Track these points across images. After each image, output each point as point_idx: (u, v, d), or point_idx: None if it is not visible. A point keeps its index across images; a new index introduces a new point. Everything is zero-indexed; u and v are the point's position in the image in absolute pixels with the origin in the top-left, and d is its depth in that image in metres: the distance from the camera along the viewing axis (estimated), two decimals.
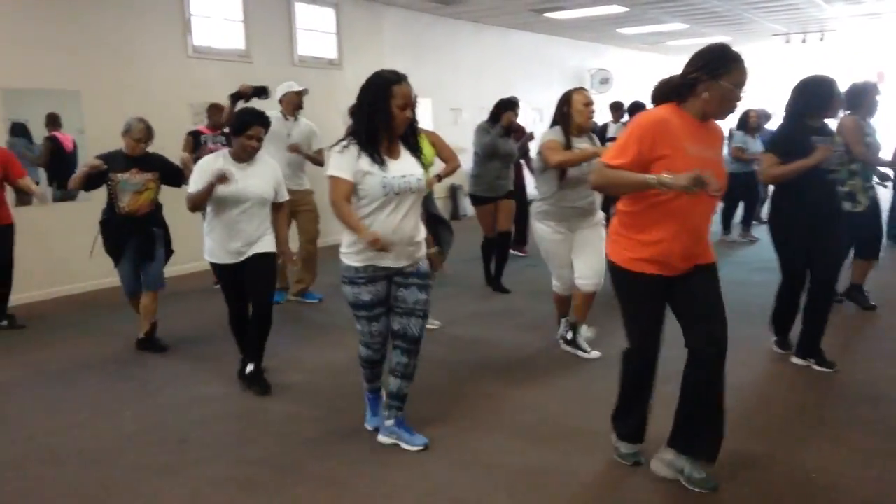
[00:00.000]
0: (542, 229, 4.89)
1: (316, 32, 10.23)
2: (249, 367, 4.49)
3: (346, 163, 3.35)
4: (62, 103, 7.34)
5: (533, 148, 6.40)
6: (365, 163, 3.34)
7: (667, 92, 3.02)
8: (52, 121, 7.27)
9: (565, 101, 4.74)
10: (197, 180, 4.26)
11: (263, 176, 4.41)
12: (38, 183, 6.76)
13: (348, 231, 3.40)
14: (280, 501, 3.17)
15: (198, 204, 4.29)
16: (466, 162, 7.01)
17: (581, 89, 4.83)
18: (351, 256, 3.44)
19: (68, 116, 7.40)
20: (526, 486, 3.23)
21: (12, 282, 6.11)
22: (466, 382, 4.56)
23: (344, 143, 3.41)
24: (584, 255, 4.82)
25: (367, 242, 3.27)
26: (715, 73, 2.88)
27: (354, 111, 3.52)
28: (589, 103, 4.75)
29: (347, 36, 10.62)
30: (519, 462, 3.46)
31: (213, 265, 4.47)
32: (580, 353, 4.94)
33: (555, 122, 4.80)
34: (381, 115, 3.35)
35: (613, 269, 3.18)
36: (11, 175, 5.85)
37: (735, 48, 2.98)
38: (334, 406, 4.22)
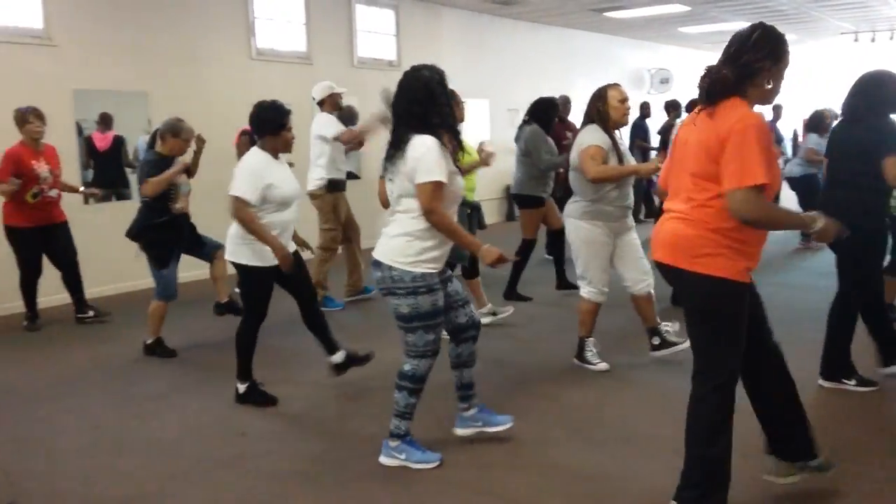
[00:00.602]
0: (589, 230, 4.62)
1: (375, 34, 10.33)
2: (339, 357, 4.47)
3: (446, 165, 3.19)
4: (130, 104, 7.58)
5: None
6: (450, 162, 3.26)
7: (722, 88, 2.70)
8: (103, 120, 7.50)
9: (599, 98, 4.61)
10: (249, 180, 4.05)
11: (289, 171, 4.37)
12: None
13: (417, 238, 3.23)
14: (336, 496, 3.22)
15: None
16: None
17: (616, 85, 4.71)
18: (423, 264, 3.24)
19: (136, 117, 7.64)
20: (582, 489, 3.22)
21: (80, 275, 6.32)
22: (523, 383, 4.55)
23: (433, 141, 3.21)
24: (632, 259, 4.70)
25: (492, 259, 3.22)
26: (778, 58, 2.72)
27: (427, 105, 3.27)
28: (624, 99, 4.63)
29: (406, 37, 10.70)
30: (575, 464, 3.44)
31: (261, 269, 4.14)
32: (676, 349, 4.73)
33: (588, 119, 4.65)
34: (451, 112, 3.32)
35: (720, 284, 2.68)
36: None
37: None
38: (388, 404, 4.25)
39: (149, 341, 5.36)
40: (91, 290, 6.64)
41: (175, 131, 5.14)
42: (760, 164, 2.53)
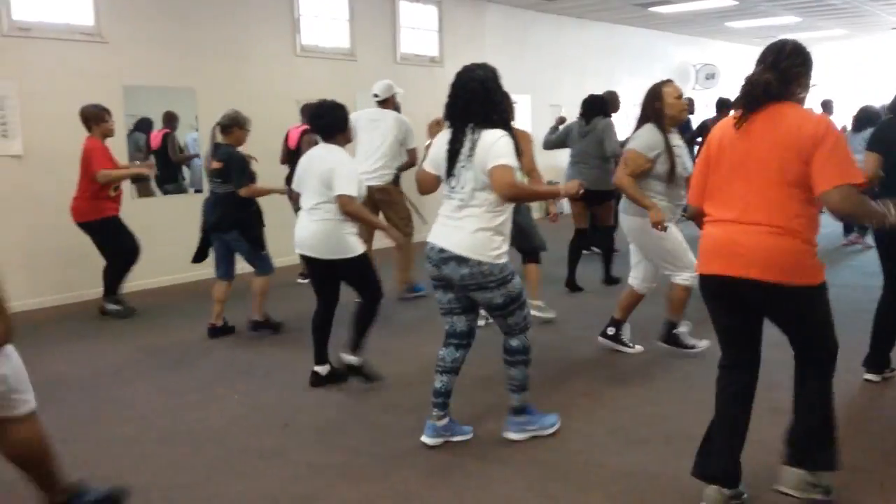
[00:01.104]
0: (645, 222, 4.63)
1: (418, 30, 10.36)
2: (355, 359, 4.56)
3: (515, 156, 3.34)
4: (178, 100, 7.71)
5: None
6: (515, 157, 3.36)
7: (766, 92, 2.74)
8: (167, 118, 7.70)
9: (655, 96, 4.59)
10: (353, 177, 4.29)
11: None
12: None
13: (497, 233, 3.34)
14: (377, 489, 3.24)
15: None
16: (566, 158, 6.99)
17: (670, 81, 4.70)
18: (504, 255, 3.39)
19: (184, 114, 7.78)
20: (622, 487, 3.20)
21: (127, 271, 6.49)
22: (563, 380, 4.54)
23: (504, 132, 3.32)
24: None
25: (575, 189, 3.46)
26: (809, 68, 2.82)
27: (486, 104, 3.36)
28: (680, 96, 4.62)
29: (449, 33, 10.71)
30: (615, 463, 3.42)
31: (365, 252, 4.49)
32: (696, 349, 4.84)
33: (645, 118, 4.63)
34: (508, 110, 3.45)
35: (822, 289, 2.80)
36: (90, 168, 6.03)
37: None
38: (427, 398, 4.27)
39: (258, 319, 5.71)
40: (136, 283, 6.79)
41: (240, 123, 5.44)
42: (852, 162, 2.66)
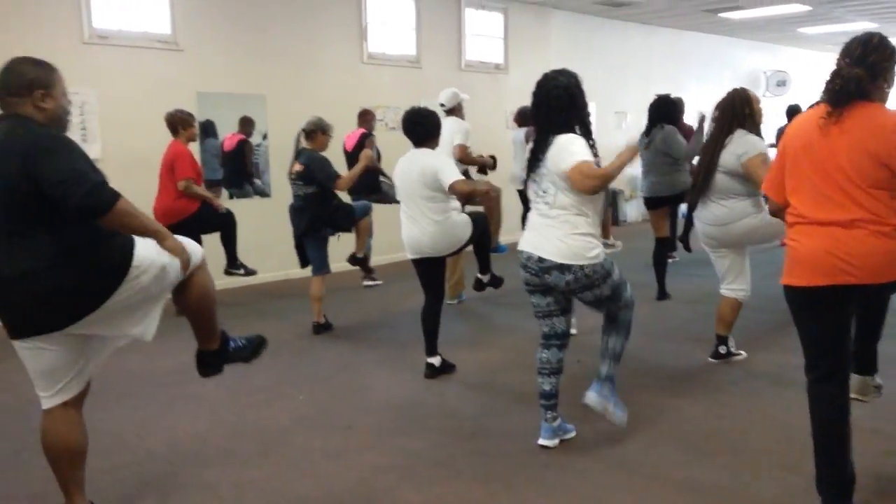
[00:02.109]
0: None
1: (483, 37, 10.39)
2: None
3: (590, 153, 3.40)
4: (249, 107, 7.90)
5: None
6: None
7: (857, 87, 2.66)
8: (243, 124, 7.92)
9: (746, 101, 4.55)
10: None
11: None
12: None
13: (589, 234, 3.40)
14: (439, 492, 3.26)
15: None
16: (631, 166, 6.91)
17: (747, 89, 4.71)
18: (600, 252, 3.45)
19: (255, 120, 7.97)
20: (686, 501, 3.15)
21: (235, 237, 6.72)
22: (627, 391, 4.47)
23: (574, 135, 3.41)
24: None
25: (634, 152, 3.51)
26: (895, 62, 2.74)
27: (570, 111, 3.45)
28: (759, 101, 4.69)
29: (514, 40, 10.72)
30: (680, 475, 3.37)
31: None
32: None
33: (735, 123, 4.52)
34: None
35: None
36: (177, 173, 6.19)
37: None
38: (491, 405, 4.29)
39: (322, 321, 5.93)
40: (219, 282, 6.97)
41: (324, 128, 5.69)
42: None
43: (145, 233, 2.72)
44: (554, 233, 3.39)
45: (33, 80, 2.64)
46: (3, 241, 2.57)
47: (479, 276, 5.26)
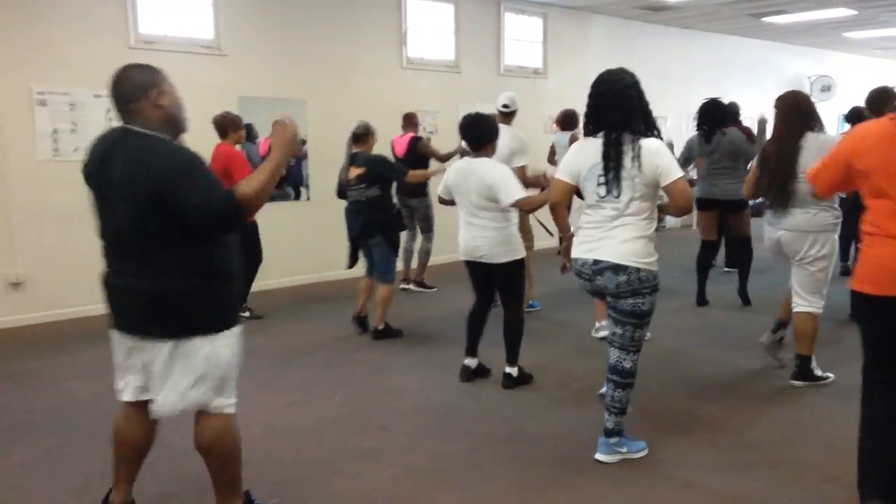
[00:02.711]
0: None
1: (522, 42, 10.39)
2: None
3: None
4: (290, 111, 7.95)
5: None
6: None
7: None
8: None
9: (809, 102, 4.47)
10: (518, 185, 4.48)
11: None
12: None
13: (651, 241, 3.38)
14: (471, 496, 3.27)
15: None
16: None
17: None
18: (656, 264, 3.41)
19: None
20: None
21: (253, 279, 6.73)
22: (667, 397, 4.45)
23: (660, 142, 3.38)
24: None
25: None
26: None
27: (647, 105, 3.47)
28: None
29: (554, 45, 10.70)
30: (717, 484, 3.33)
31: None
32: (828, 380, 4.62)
33: (802, 127, 4.36)
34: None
35: None
36: (233, 175, 6.21)
37: None
38: (526, 410, 4.29)
39: (380, 327, 5.84)
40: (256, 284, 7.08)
41: (372, 132, 5.83)
42: None
43: (274, 178, 2.69)
44: (616, 234, 3.35)
45: (144, 81, 2.68)
46: (134, 253, 2.64)
47: (507, 370, 4.74)
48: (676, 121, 12.34)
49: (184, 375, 2.69)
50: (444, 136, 8.46)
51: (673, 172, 3.28)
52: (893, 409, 2.82)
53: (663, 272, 3.60)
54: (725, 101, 6.86)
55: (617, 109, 3.35)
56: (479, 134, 4.55)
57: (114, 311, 2.78)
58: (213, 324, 2.69)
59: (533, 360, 5.20)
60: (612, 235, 3.36)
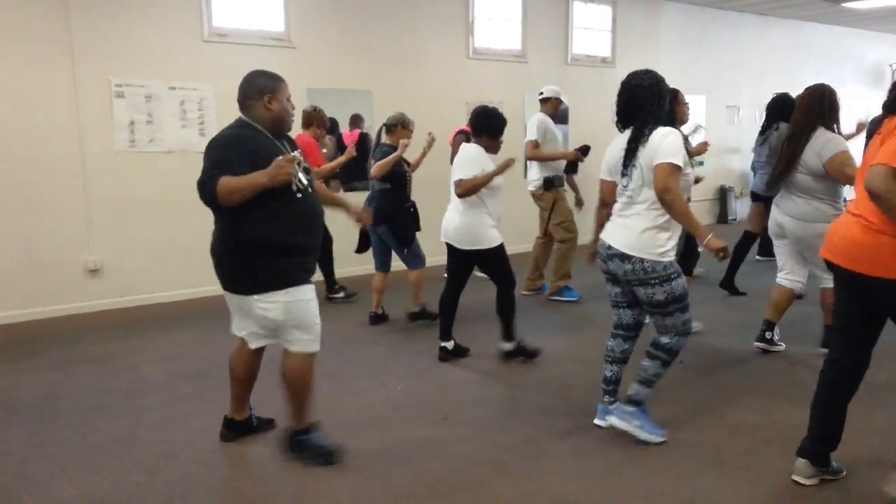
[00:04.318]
0: None
1: (591, 31, 10.25)
2: (509, 346, 5.04)
3: (683, 155, 3.42)
4: (356, 102, 8.08)
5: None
6: (685, 156, 3.48)
7: None
8: (353, 120, 8.10)
9: (831, 98, 4.60)
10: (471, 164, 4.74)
11: None
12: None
13: (662, 230, 3.43)
14: (532, 488, 3.26)
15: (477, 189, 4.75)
16: (742, 162, 6.72)
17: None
18: (669, 254, 3.46)
19: (362, 115, 8.14)
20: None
21: (333, 256, 6.93)
22: (681, 388, 4.36)
23: (674, 130, 3.46)
24: None
25: (718, 247, 3.35)
26: None
27: (663, 102, 3.52)
28: None
29: (623, 33, 10.52)
30: (786, 484, 3.25)
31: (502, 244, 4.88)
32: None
33: (816, 121, 4.57)
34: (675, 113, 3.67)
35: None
36: (313, 162, 6.47)
37: None
38: (585, 401, 4.24)
39: (415, 310, 6.01)
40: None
41: (405, 122, 5.76)
42: None
43: (253, 188, 3.09)
44: (630, 223, 3.48)
45: (262, 86, 3.30)
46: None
47: (503, 344, 5.02)
48: (750, 110, 12.03)
49: (251, 323, 3.42)
50: (510, 127, 8.40)
51: (664, 155, 3.32)
52: (837, 377, 3.12)
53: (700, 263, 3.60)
54: (801, 90, 6.65)
55: (632, 107, 3.51)
56: (474, 123, 4.90)
57: None
58: (251, 286, 3.28)
59: (595, 354, 5.13)
60: (625, 224, 3.51)
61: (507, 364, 4.95)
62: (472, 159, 4.74)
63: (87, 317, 6.51)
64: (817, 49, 13.36)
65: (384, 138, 5.81)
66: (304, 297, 3.33)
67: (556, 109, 6.74)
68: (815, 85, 4.68)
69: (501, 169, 4.77)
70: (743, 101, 12.06)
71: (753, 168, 7.42)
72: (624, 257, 3.47)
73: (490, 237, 4.81)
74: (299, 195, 3.19)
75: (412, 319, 5.99)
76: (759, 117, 12.41)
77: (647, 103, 3.46)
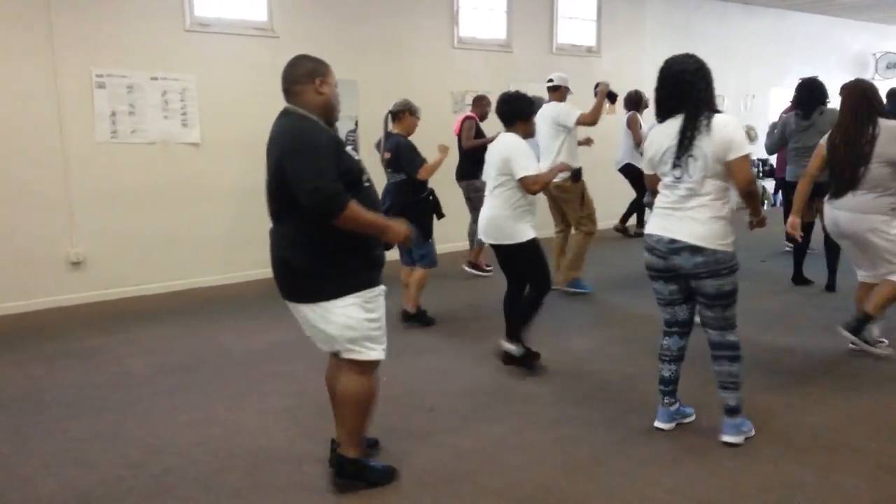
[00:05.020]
0: None
1: (575, 20, 10.23)
2: (516, 350, 4.68)
3: None
4: (341, 93, 7.96)
5: None
6: None
7: None
8: None
9: (873, 89, 4.60)
10: (530, 156, 4.54)
11: None
12: None
13: (728, 221, 3.40)
14: (518, 478, 3.26)
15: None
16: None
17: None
18: (733, 245, 3.43)
19: (346, 105, 8.03)
20: (775, 497, 3.05)
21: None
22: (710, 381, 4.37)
23: (733, 118, 3.43)
24: None
25: (761, 222, 3.57)
26: None
27: (711, 87, 3.49)
28: None
29: (608, 23, 10.50)
30: (769, 471, 3.27)
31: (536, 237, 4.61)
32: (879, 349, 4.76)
33: (872, 113, 4.48)
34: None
35: None
36: None
37: None
38: (574, 394, 4.26)
39: (411, 311, 5.75)
40: None
41: (412, 109, 5.63)
42: None
43: (371, 230, 2.96)
44: (694, 215, 3.38)
45: (313, 69, 3.11)
46: (274, 221, 3.03)
47: (506, 344, 4.68)
48: (735, 100, 12.05)
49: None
50: (495, 117, 8.38)
51: (739, 148, 3.29)
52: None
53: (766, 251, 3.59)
54: (788, 80, 6.63)
55: (680, 94, 3.41)
56: (506, 110, 4.65)
57: None
58: (308, 294, 3.00)
59: (582, 344, 5.17)
60: (689, 216, 3.39)
61: (494, 356, 4.89)
62: (527, 150, 4.52)
63: (70, 310, 6.46)
64: (802, 38, 13.39)
65: (391, 126, 5.64)
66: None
67: (564, 99, 6.58)
68: (851, 82, 4.65)
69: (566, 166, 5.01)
70: (729, 91, 12.06)
71: (772, 153, 7.22)
72: (695, 250, 3.35)
73: (524, 231, 4.55)
74: (367, 184, 3.09)
75: (405, 320, 5.72)
76: (745, 107, 12.48)
77: (695, 89, 3.38)
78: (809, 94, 6.32)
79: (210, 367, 4.85)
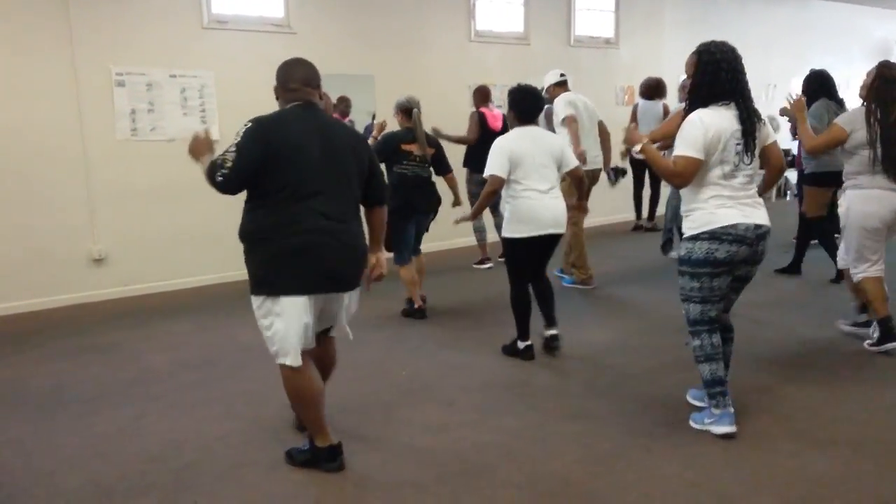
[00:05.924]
0: None
1: (594, 11, 10.16)
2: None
3: None
4: (358, 87, 8.03)
5: None
6: None
7: None
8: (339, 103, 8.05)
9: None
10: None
11: None
12: None
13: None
14: (538, 472, 3.25)
15: None
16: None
17: None
18: None
19: (364, 100, 8.08)
20: (798, 492, 3.01)
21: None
22: (740, 373, 4.32)
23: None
24: None
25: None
26: None
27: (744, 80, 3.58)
28: None
29: (626, 14, 10.41)
30: (791, 465, 3.23)
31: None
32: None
33: None
34: None
35: None
36: None
37: None
38: (594, 386, 4.24)
39: (419, 304, 5.84)
40: None
41: (415, 106, 5.70)
42: None
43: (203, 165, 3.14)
44: (758, 200, 3.48)
45: (319, 78, 3.39)
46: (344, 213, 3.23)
47: (552, 331, 4.80)
48: (756, 91, 11.86)
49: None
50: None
51: (773, 133, 3.54)
52: None
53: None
54: (806, 70, 6.51)
55: (740, 77, 3.52)
56: (531, 106, 4.72)
57: None
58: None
59: (602, 337, 5.14)
60: (756, 201, 3.46)
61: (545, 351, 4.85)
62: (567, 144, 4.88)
63: (91, 306, 6.52)
64: (823, 27, 13.22)
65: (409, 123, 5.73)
66: None
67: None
68: (873, 68, 4.57)
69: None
70: (749, 80, 11.94)
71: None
72: (768, 234, 3.46)
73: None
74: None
75: (417, 315, 5.79)
76: (766, 97, 12.34)
77: (744, 76, 3.52)
78: (819, 86, 6.19)
79: (229, 362, 4.87)
